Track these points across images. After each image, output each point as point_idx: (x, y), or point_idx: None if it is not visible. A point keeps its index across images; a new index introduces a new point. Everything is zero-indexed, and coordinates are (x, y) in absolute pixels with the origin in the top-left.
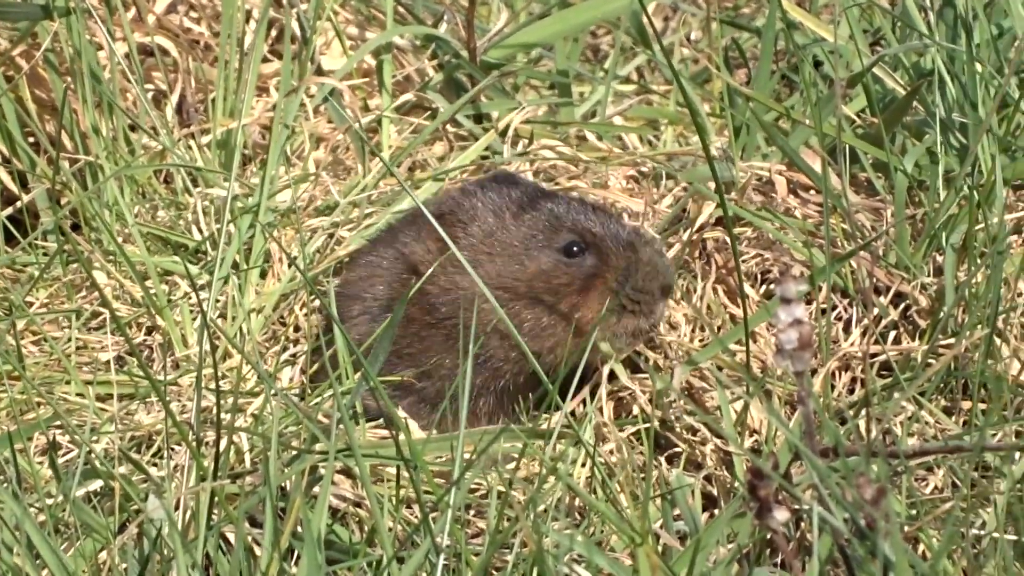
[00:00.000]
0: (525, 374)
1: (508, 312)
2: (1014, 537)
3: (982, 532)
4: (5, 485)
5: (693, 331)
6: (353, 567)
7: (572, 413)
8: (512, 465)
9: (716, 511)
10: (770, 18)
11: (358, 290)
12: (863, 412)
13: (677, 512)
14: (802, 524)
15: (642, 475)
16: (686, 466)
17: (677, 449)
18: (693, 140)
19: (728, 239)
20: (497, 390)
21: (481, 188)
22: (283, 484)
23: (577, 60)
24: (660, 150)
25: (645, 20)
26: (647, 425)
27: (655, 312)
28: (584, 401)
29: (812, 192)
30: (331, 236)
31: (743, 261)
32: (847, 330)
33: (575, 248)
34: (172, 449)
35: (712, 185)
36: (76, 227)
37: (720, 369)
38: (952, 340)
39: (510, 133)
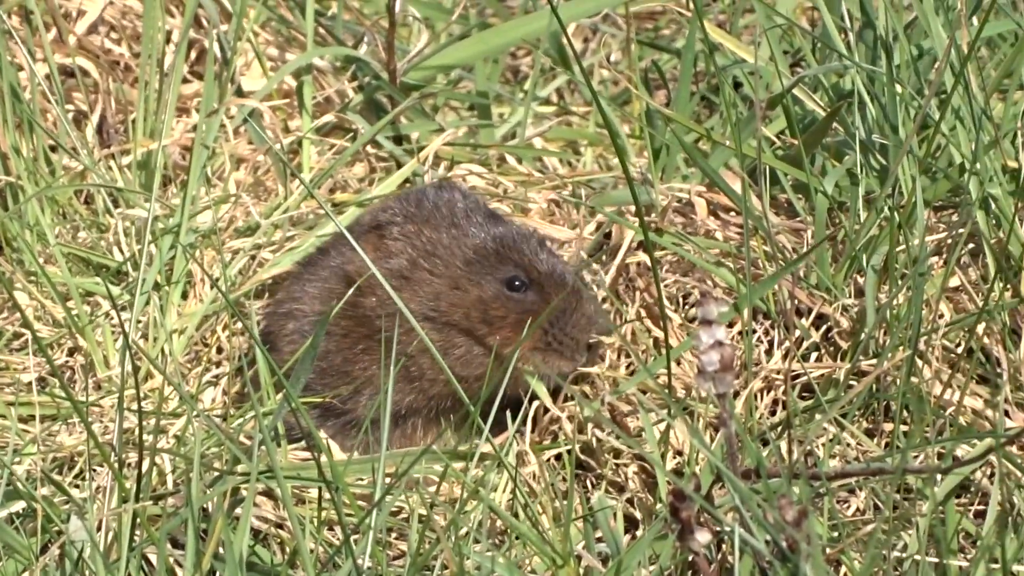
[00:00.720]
0: (453, 396)
1: (441, 335)
2: (935, 559)
3: (904, 554)
4: None
5: (619, 357)
6: None
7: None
8: (434, 488)
9: (638, 533)
10: (690, 39)
11: (292, 307)
12: (785, 434)
13: (599, 534)
14: (724, 546)
15: (564, 497)
16: (608, 488)
17: (599, 471)
18: (613, 162)
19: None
20: (427, 411)
21: (423, 196)
22: (205, 505)
23: (497, 81)
24: (580, 172)
25: (565, 41)
26: (568, 447)
27: (577, 359)
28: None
29: (732, 214)
30: (253, 258)
31: (665, 285)
32: (769, 352)
33: (517, 283)
34: (94, 470)
35: (625, 209)
36: None
37: (643, 392)
38: (873, 361)
39: (430, 158)
